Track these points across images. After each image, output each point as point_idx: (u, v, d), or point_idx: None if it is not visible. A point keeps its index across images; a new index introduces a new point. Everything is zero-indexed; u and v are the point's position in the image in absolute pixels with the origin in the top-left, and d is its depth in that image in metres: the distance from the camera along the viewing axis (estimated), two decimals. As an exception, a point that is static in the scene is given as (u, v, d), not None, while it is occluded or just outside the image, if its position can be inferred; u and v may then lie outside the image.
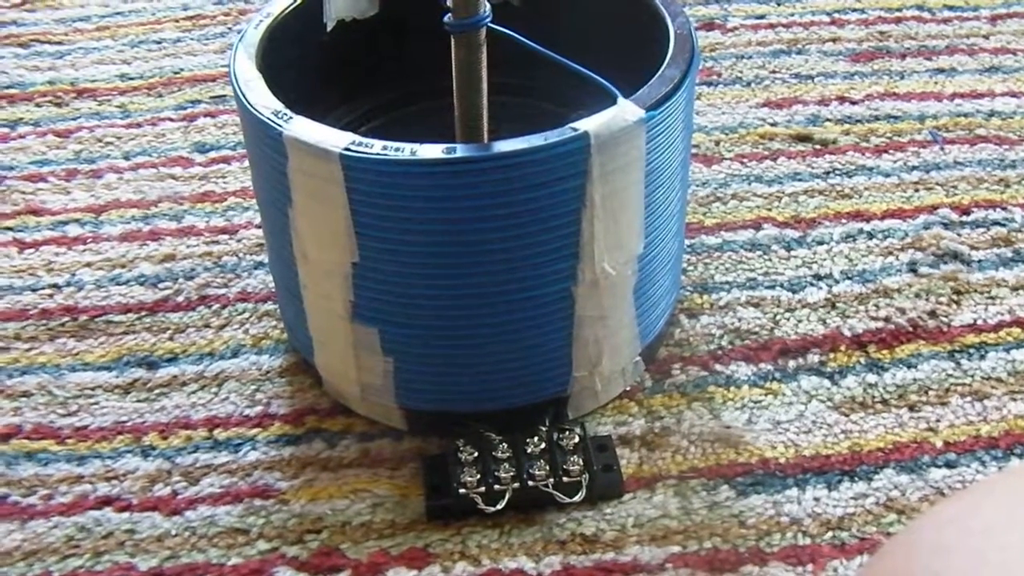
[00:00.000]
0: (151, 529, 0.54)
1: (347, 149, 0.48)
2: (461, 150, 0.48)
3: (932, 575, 0.31)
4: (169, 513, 0.55)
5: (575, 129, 0.49)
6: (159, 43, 0.91)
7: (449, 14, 0.52)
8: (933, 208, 0.71)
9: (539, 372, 0.55)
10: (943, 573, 0.31)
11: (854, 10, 0.92)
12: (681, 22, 0.56)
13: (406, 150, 0.48)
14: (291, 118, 0.50)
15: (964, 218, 0.70)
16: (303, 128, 0.50)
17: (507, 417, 0.55)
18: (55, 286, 0.68)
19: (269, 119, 0.50)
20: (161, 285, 0.67)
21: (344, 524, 0.54)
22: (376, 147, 0.49)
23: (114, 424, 0.59)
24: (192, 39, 0.91)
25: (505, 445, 0.54)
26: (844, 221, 0.70)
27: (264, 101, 0.52)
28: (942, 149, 0.76)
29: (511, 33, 0.54)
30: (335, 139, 0.49)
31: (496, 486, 0.53)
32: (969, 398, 0.59)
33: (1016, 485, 0.34)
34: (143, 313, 0.66)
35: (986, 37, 0.88)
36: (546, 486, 0.53)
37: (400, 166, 0.48)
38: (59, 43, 0.91)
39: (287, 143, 0.50)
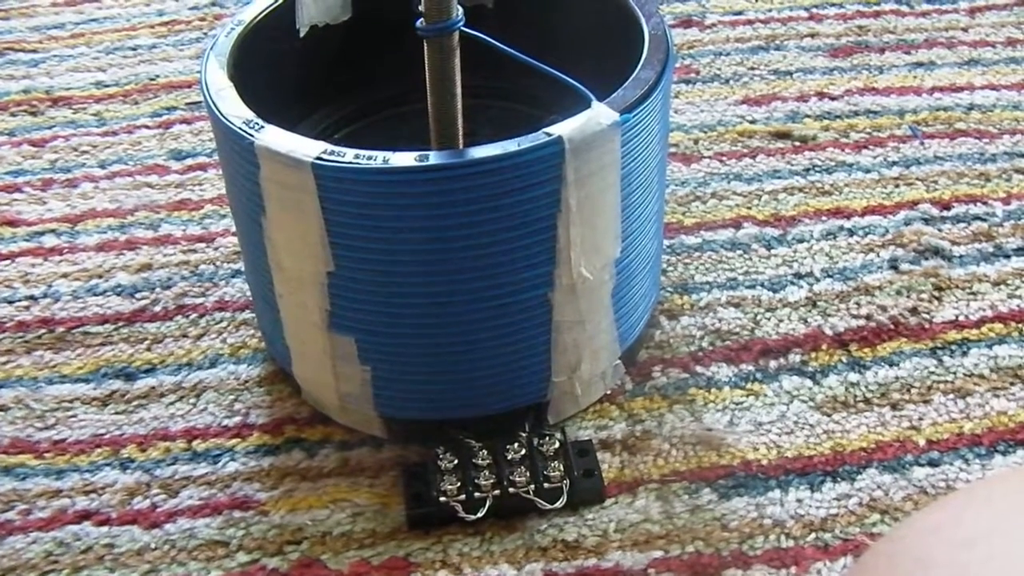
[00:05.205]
0: (130, 543, 0.54)
1: (319, 158, 0.48)
2: (434, 158, 0.48)
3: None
4: (148, 526, 0.54)
5: (549, 134, 0.48)
6: (134, 50, 0.90)
7: (421, 19, 0.52)
8: (913, 204, 0.71)
9: (518, 378, 0.55)
10: (923, 583, 0.30)
11: (832, 5, 0.92)
12: (655, 23, 0.56)
13: (379, 158, 0.48)
14: (262, 127, 0.50)
15: (945, 213, 0.70)
16: (275, 137, 0.49)
17: (487, 424, 0.55)
18: (31, 298, 0.67)
19: (240, 129, 0.50)
20: (138, 295, 0.67)
21: (324, 534, 0.53)
22: (348, 156, 0.48)
23: (92, 437, 0.59)
24: (168, 45, 0.91)
25: (485, 452, 0.54)
26: (824, 218, 0.70)
27: (235, 110, 0.51)
28: (922, 144, 0.76)
29: (484, 37, 0.53)
30: (307, 148, 0.48)
31: (476, 493, 0.53)
32: (952, 395, 0.59)
33: (997, 493, 0.34)
34: (120, 324, 0.65)
35: (965, 30, 0.88)
36: (527, 493, 0.53)
37: (373, 175, 0.48)
38: (33, 51, 0.91)
39: (259, 153, 0.49)
